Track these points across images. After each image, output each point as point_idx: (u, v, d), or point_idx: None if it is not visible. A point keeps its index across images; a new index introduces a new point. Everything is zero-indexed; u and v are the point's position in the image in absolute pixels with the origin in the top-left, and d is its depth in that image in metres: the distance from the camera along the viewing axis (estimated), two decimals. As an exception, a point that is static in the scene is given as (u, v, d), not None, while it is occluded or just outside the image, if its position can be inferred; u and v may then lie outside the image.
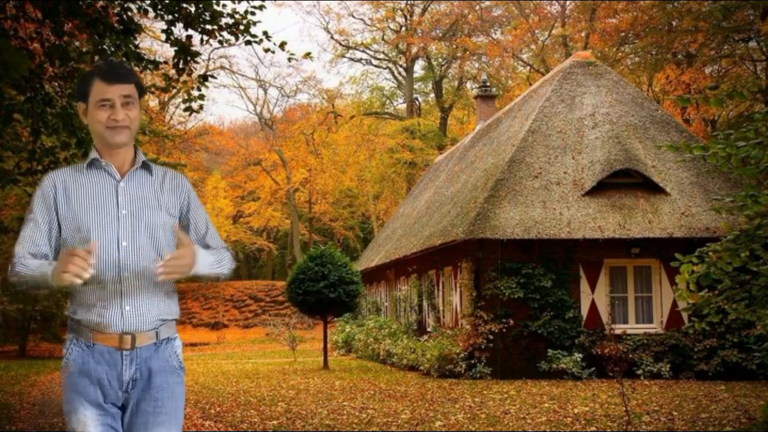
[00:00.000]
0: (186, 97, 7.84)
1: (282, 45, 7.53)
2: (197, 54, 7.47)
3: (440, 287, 16.37)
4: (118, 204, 2.53)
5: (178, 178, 2.70)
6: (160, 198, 2.61)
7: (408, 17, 38.02)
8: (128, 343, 2.47)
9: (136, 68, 7.43)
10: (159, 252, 2.54)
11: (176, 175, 2.72)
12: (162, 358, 2.55)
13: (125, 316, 2.47)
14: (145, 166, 2.64)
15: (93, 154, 2.59)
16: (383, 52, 40.83)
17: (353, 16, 51.48)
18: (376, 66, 41.36)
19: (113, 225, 2.50)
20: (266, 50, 7.51)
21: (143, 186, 2.61)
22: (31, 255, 2.49)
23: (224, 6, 7.27)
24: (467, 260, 13.98)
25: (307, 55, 8.31)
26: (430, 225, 17.55)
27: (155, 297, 2.53)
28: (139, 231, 2.52)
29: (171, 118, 38.24)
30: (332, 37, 39.94)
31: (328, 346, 18.81)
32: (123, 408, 2.53)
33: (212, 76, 7.95)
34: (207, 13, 7.16)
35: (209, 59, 31.45)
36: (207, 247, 2.70)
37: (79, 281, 2.29)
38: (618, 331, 13.18)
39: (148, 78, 18.58)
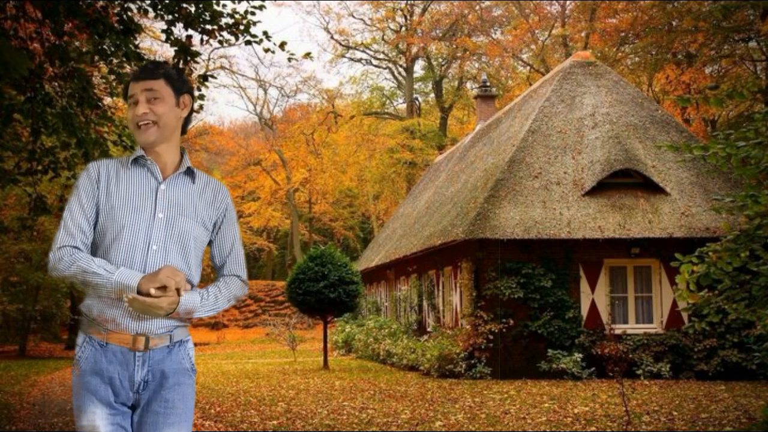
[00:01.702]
0: (186, 97, 7.82)
1: (282, 45, 7.53)
2: (197, 54, 7.47)
3: (440, 287, 16.36)
4: (155, 206, 2.51)
5: (219, 191, 2.67)
6: (197, 207, 2.58)
7: (408, 17, 38.02)
8: (142, 344, 2.46)
9: (136, 68, 7.43)
10: (187, 261, 2.53)
11: (219, 187, 2.68)
12: (175, 360, 2.54)
13: (141, 317, 2.45)
14: (189, 172, 2.61)
15: (139, 151, 2.57)
16: (383, 52, 40.84)
17: (353, 16, 51.61)
18: (376, 66, 41.39)
19: (146, 227, 2.48)
20: (266, 50, 7.51)
21: (183, 192, 2.58)
22: (83, 245, 2.47)
23: (224, 6, 7.27)
24: (467, 260, 13.98)
25: (307, 55, 8.31)
26: (430, 225, 17.55)
27: None
28: (170, 237, 2.50)
29: (171, 118, 38.21)
30: (332, 37, 39.97)
31: (328, 346, 18.81)
32: (133, 408, 2.52)
33: (212, 76, 7.95)
34: (207, 13, 7.15)
35: (209, 59, 31.44)
36: (223, 266, 2.68)
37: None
38: (618, 331, 13.19)
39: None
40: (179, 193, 2.57)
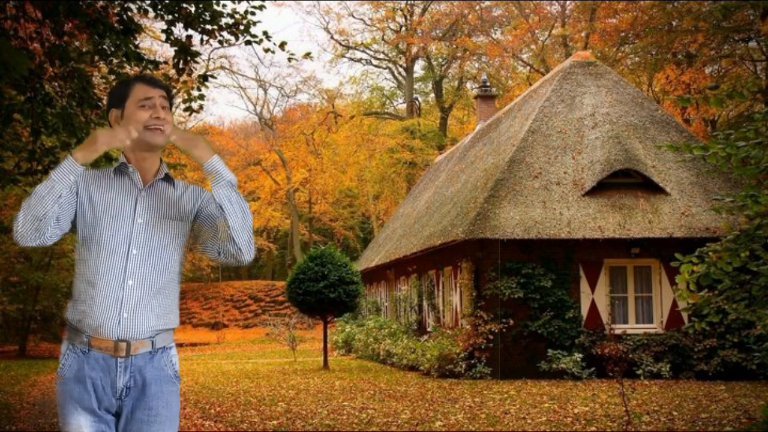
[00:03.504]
0: (186, 97, 7.85)
1: (282, 45, 7.53)
2: (197, 54, 7.47)
3: (440, 287, 16.36)
4: (135, 212, 2.56)
5: (199, 190, 2.73)
6: (177, 207, 2.64)
7: (408, 17, 38.01)
8: (123, 350, 2.47)
9: (136, 68, 7.46)
10: (167, 264, 2.57)
11: (198, 188, 2.75)
12: (157, 366, 2.55)
13: (122, 323, 2.46)
14: (168, 178, 2.67)
15: (121, 159, 2.63)
16: (383, 52, 40.83)
17: (353, 16, 51.66)
18: (376, 66, 41.38)
19: (126, 232, 2.52)
20: (266, 50, 7.51)
21: (163, 197, 2.64)
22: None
23: (224, 6, 7.27)
24: (467, 260, 13.98)
25: (307, 55, 8.31)
26: (430, 225, 17.55)
27: (155, 307, 2.53)
28: (150, 241, 2.55)
29: (171, 118, 38.20)
30: (332, 37, 39.96)
31: (328, 346, 18.81)
32: (117, 415, 2.53)
33: (212, 76, 7.95)
34: (207, 13, 7.15)
35: (209, 59, 31.42)
36: None
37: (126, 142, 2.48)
38: (618, 331, 13.19)
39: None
40: (159, 198, 2.63)
